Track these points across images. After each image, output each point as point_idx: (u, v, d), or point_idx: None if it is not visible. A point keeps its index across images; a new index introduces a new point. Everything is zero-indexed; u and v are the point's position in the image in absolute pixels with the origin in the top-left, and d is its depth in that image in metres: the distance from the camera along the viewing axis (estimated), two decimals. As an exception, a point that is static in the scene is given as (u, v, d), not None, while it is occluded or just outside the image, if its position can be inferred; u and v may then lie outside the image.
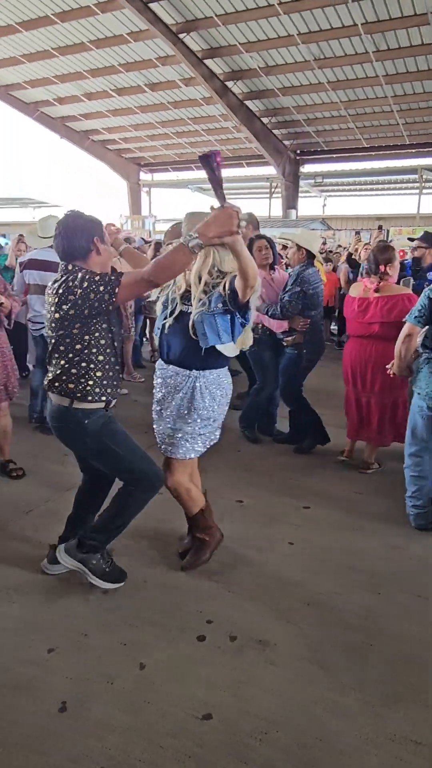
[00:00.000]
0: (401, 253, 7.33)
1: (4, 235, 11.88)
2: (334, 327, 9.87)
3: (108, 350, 2.31)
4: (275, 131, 16.92)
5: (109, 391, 2.34)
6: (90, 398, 2.28)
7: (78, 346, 2.24)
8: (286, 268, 5.82)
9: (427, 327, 3.03)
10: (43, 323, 4.14)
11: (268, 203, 21.04)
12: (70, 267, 2.23)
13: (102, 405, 2.34)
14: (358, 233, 14.09)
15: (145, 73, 14.30)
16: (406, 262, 6.61)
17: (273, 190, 20.69)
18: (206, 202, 24.21)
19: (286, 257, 5.64)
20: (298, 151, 18.44)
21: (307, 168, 19.39)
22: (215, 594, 2.58)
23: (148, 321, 7.48)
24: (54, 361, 2.32)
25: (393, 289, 3.77)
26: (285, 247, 5.94)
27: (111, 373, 2.34)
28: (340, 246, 12.43)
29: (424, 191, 19.26)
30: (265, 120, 16.08)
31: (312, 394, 4.61)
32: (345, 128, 16.54)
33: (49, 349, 2.34)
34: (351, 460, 4.17)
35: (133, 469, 2.41)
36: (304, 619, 2.43)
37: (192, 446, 2.64)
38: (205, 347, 2.46)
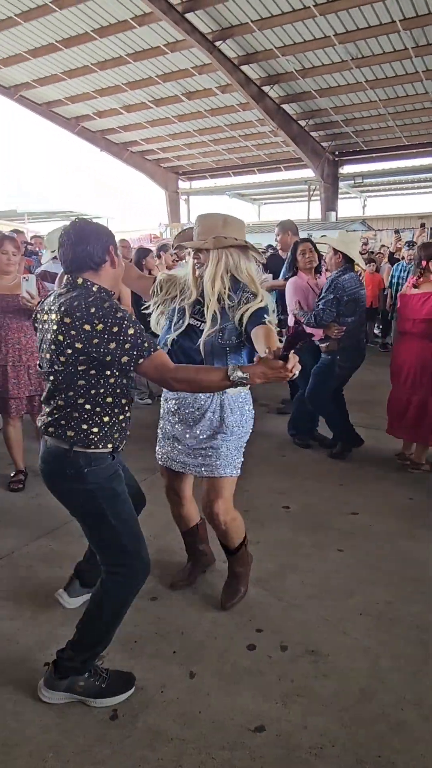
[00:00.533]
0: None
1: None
2: (377, 329, 9.68)
3: (119, 390, 1.87)
4: (313, 133, 16.79)
5: (117, 436, 1.90)
6: (93, 447, 1.85)
7: (81, 382, 1.80)
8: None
9: None
10: None
11: (307, 206, 20.87)
12: (80, 281, 1.82)
13: (108, 451, 1.89)
14: (397, 232, 13.81)
15: (181, 82, 14.45)
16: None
17: (312, 192, 20.51)
18: (243, 208, 24.21)
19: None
20: (337, 153, 18.24)
21: (346, 169, 19.16)
22: (264, 602, 2.53)
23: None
24: (51, 399, 1.87)
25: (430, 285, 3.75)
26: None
27: (121, 417, 1.91)
28: (383, 246, 12.19)
29: (468, 187, 18.73)
30: (302, 123, 15.98)
31: (353, 394, 4.52)
32: (384, 127, 16.28)
33: (46, 383, 1.89)
34: (407, 461, 4.09)
35: (122, 549, 1.93)
36: (358, 629, 2.35)
37: (236, 460, 2.38)
38: None
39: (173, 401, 2.38)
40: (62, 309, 1.74)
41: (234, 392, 2.29)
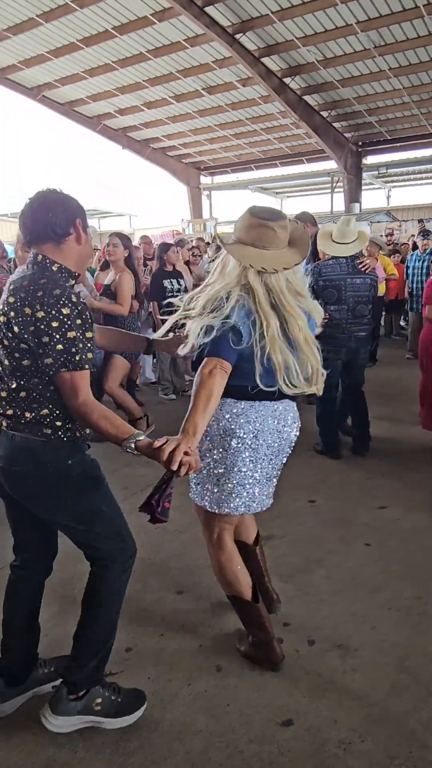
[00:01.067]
0: None
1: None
2: (403, 321, 9.53)
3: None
4: (335, 124, 16.56)
5: (78, 434, 1.72)
6: (65, 438, 1.68)
7: (26, 362, 1.61)
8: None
9: None
10: None
11: (330, 198, 20.62)
12: (39, 258, 1.64)
13: (79, 438, 1.73)
14: (421, 221, 13.56)
15: (202, 77, 14.39)
16: None
17: (335, 184, 20.26)
18: (266, 202, 24.11)
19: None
20: (360, 143, 17.96)
21: (369, 159, 18.85)
22: (291, 596, 2.52)
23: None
24: (3, 380, 1.68)
25: None
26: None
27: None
28: (413, 236, 11.98)
29: None
30: (324, 114, 15.78)
31: (374, 387, 4.46)
32: (409, 115, 15.95)
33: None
34: None
35: (118, 534, 1.81)
36: (387, 624, 2.32)
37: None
38: None
39: (266, 441, 2.00)
40: (11, 287, 1.60)
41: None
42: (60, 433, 1.66)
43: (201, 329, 1.80)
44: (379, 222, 16.36)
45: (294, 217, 5.47)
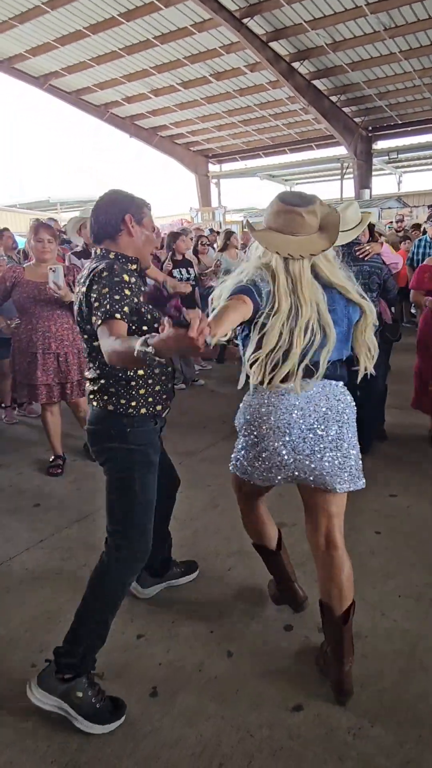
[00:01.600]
0: None
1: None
2: (414, 308, 9.43)
3: None
4: (345, 109, 16.36)
5: (150, 400, 1.91)
6: (131, 410, 1.87)
7: (96, 343, 1.80)
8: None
9: None
10: None
11: (340, 185, 20.41)
12: (98, 251, 1.90)
13: (146, 413, 1.91)
14: (431, 207, 13.38)
15: (209, 63, 14.26)
16: None
17: (345, 170, 20.05)
18: (275, 190, 23.91)
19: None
20: (370, 128, 17.72)
21: (380, 144, 18.61)
22: (302, 583, 2.51)
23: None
24: (89, 368, 1.94)
25: None
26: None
27: (157, 387, 1.94)
28: (428, 221, 11.80)
29: None
30: (333, 98, 15.58)
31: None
32: (420, 99, 15.70)
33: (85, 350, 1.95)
34: None
35: (133, 522, 1.91)
36: (397, 611, 2.33)
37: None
38: None
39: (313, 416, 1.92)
40: (81, 280, 1.85)
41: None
42: (122, 407, 1.87)
43: (222, 290, 1.81)
44: (389, 208, 16.18)
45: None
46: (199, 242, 7.34)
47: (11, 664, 2.10)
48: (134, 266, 1.91)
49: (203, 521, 3.02)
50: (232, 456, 2.06)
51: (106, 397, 1.88)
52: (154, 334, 1.46)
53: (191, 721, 1.84)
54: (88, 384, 1.96)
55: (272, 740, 1.76)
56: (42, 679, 1.85)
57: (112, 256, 1.86)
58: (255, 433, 1.89)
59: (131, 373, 1.85)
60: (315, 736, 1.77)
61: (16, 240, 6.26)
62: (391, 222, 11.01)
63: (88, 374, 1.95)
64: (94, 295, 1.74)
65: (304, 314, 1.75)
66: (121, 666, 2.08)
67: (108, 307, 1.69)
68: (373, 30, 11.94)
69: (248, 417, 1.91)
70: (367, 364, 1.96)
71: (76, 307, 1.87)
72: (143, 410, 1.90)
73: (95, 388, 1.91)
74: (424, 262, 4.34)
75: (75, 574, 2.65)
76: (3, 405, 5.13)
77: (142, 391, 1.89)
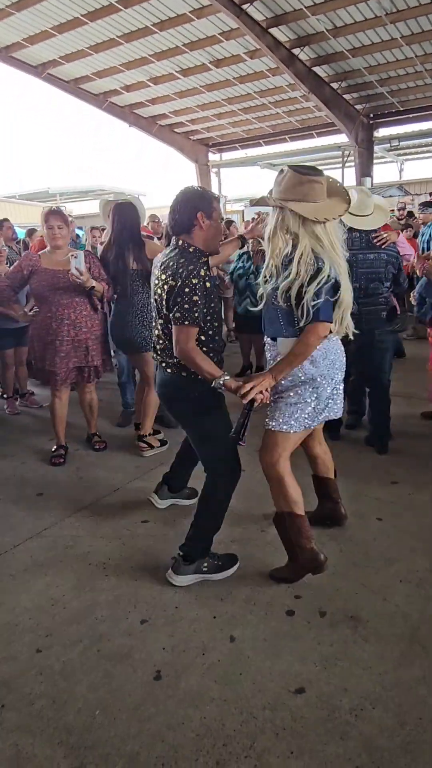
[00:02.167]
0: None
1: (80, 228, 12.26)
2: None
3: (205, 327, 2.26)
4: (346, 96, 16.17)
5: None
6: (194, 375, 2.26)
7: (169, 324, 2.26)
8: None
9: None
10: None
11: (341, 173, 20.26)
12: (179, 242, 2.26)
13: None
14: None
15: (209, 50, 14.08)
16: None
17: (346, 158, 19.88)
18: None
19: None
20: (372, 115, 17.54)
21: (381, 132, 18.41)
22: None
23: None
24: (160, 339, 2.38)
25: None
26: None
27: (204, 349, 2.26)
28: (420, 207, 11.74)
29: None
30: (334, 85, 15.40)
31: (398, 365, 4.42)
32: (422, 85, 15.50)
33: (157, 317, 2.37)
34: None
35: (226, 455, 2.39)
36: (399, 596, 2.34)
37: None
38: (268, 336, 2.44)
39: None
40: (161, 266, 2.25)
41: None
42: (192, 374, 2.26)
43: (308, 294, 2.09)
44: (391, 196, 16.12)
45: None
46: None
47: (16, 649, 2.13)
48: (205, 258, 2.27)
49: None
50: (292, 421, 2.33)
51: (179, 366, 2.30)
52: (228, 376, 2.15)
53: (195, 704, 1.86)
54: (160, 355, 2.40)
55: (275, 722, 1.78)
56: (176, 569, 2.46)
57: (191, 250, 2.23)
58: (335, 373, 2.36)
59: (205, 348, 2.25)
60: (317, 717, 1.79)
61: (16, 231, 6.25)
62: (393, 210, 10.94)
63: (160, 346, 2.39)
64: (175, 289, 2.12)
65: (342, 265, 2.19)
66: (127, 650, 2.11)
67: (196, 315, 2.13)
68: (375, 15, 11.75)
69: (332, 358, 2.33)
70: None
71: (153, 289, 2.29)
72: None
73: (173, 361, 2.31)
74: None
75: (78, 562, 2.67)
76: (5, 396, 5.15)
77: (204, 349, 2.27)
